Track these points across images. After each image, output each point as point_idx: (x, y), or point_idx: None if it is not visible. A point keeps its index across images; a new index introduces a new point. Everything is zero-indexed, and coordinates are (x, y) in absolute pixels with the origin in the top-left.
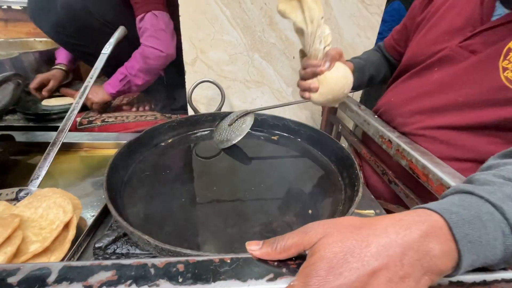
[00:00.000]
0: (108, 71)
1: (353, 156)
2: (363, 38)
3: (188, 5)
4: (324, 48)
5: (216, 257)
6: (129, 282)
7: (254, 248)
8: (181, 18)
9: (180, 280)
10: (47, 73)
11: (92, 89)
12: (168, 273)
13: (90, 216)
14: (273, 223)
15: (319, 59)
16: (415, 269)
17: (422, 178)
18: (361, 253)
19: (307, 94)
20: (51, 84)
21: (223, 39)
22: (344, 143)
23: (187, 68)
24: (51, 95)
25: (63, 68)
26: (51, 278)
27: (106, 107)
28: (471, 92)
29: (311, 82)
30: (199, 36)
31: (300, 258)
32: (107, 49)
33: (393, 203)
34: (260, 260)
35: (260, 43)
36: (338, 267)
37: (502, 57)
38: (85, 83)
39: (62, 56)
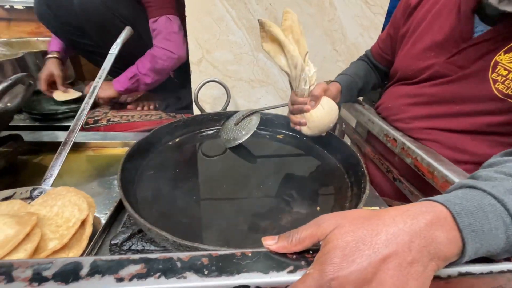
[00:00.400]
0: (112, 69)
1: (358, 154)
2: (367, 38)
3: (194, 6)
4: (309, 87)
5: (237, 251)
6: (158, 274)
7: (270, 242)
8: (187, 19)
9: (206, 272)
10: (45, 70)
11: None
12: (193, 266)
13: (103, 215)
14: (283, 219)
15: (305, 97)
16: (423, 255)
17: (427, 175)
18: (372, 241)
19: (297, 127)
20: (58, 79)
21: (228, 39)
22: (347, 142)
23: (193, 68)
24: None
25: (57, 55)
26: (84, 271)
27: (112, 103)
28: (465, 103)
29: (300, 118)
30: (205, 36)
31: (316, 252)
32: (114, 50)
33: (397, 200)
34: (278, 253)
35: None
36: (351, 254)
37: (490, 70)
38: (94, 83)
39: (54, 45)
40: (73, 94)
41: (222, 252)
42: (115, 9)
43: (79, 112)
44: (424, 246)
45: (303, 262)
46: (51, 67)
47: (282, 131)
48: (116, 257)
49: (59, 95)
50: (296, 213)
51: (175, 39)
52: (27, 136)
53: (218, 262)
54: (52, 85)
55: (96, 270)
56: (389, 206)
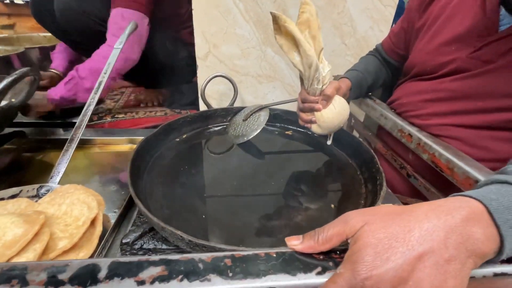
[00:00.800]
0: None
1: (372, 150)
2: (377, 31)
3: None
4: (322, 86)
5: (261, 251)
6: (180, 277)
7: (295, 242)
8: (193, 12)
9: (230, 274)
10: (44, 73)
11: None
12: (217, 267)
13: (111, 213)
14: (298, 216)
15: (317, 96)
16: (460, 251)
17: (446, 172)
18: (405, 238)
19: (307, 125)
20: (44, 82)
21: (235, 33)
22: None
23: (199, 62)
24: None
25: (58, 73)
26: (102, 274)
27: (44, 115)
28: (488, 99)
29: (310, 116)
30: (212, 30)
31: (343, 252)
32: (119, 44)
33: (410, 197)
34: (304, 254)
35: (273, 37)
36: (383, 252)
37: None
38: (100, 78)
39: (58, 61)
40: None
41: (245, 253)
42: (94, 15)
43: (85, 108)
44: (461, 242)
45: (331, 263)
46: (53, 79)
47: (291, 127)
48: (135, 258)
49: None
50: (310, 210)
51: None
52: (32, 133)
53: (242, 263)
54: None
55: (115, 273)
56: (403, 203)
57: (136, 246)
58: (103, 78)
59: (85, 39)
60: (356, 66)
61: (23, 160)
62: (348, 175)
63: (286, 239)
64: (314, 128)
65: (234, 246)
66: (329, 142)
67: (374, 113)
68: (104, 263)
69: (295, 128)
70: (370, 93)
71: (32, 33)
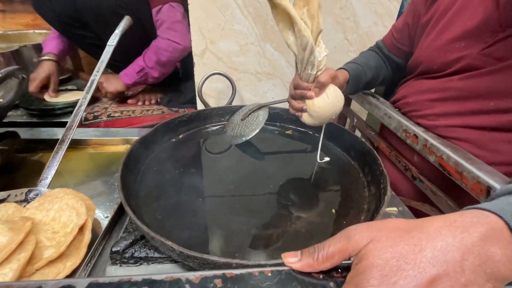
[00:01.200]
0: (112, 63)
1: (375, 152)
2: (380, 27)
3: None
4: (316, 72)
5: (255, 270)
6: None
7: (293, 260)
8: (189, 7)
9: None
10: (41, 72)
11: (107, 78)
12: None
13: (103, 217)
14: (297, 223)
15: (310, 82)
16: (478, 275)
17: (454, 175)
18: (416, 258)
19: (297, 114)
20: (52, 84)
21: (233, 29)
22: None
23: (196, 60)
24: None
25: (53, 58)
26: None
27: (119, 97)
28: (502, 98)
29: (301, 104)
30: (209, 25)
31: (345, 270)
32: (113, 41)
33: (415, 200)
34: (302, 273)
35: (273, 33)
36: (391, 275)
37: None
38: (92, 77)
39: (51, 45)
40: (67, 97)
41: (238, 272)
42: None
43: (76, 108)
44: (479, 264)
45: (332, 283)
46: (48, 71)
47: (291, 126)
48: (115, 278)
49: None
50: (311, 216)
51: (179, 29)
52: (24, 133)
53: (234, 284)
54: (43, 87)
55: None
56: (407, 206)
57: (127, 255)
58: (96, 76)
59: (96, 28)
60: (356, 60)
61: (14, 162)
62: (351, 178)
63: (283, 255)
64: (305, 117)
65: (227, 259)
66: (319, 159)
67: (377, 112)
68: (81, 285)
69: (295, 127)
70: (368, 90)
71: (28, 30)
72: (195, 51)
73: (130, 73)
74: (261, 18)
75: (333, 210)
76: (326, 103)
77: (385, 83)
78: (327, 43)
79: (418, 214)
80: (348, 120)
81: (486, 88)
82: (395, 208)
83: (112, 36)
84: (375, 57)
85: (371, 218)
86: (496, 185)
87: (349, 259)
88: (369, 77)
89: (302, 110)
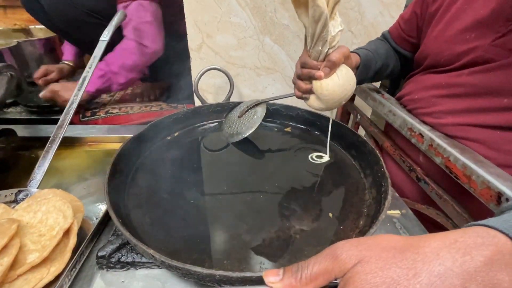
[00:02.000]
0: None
1: (377, 152)
2: (387, 17)
3: None
4: (327, 50)
5: None
6: None
7: (274, 279)
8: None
9: None
10: (53, 65)
11: (63, 85)
12: None
13: (95, 219)
14: (291, 228)
15: (320, 61)
16: None
17: (462, 179)
18: (409, 285)
19: (304, 96)
20: (51, 75)
21: (231, 22)
22: (362, 135)
23: (192, 54)
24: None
25: (71, 64)
26: None
27: (82, 108)
28: None
29: (308, 86)
30: (205, 18)
31: None
32: (106, 36)
33: (420, 202)
34: None
35: (272, 25)
36: None
37: None
38: (84, 73)
39: (68, 52)
40: None
41: None
42: (82, 5)
43: (67, 106)
44: None
45: None
46: (58, 70)
47: (291, 123)
48: None
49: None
50: (306, 220)
51: (148, 30)
52: (23, 130)
53: None
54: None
55: None
56: (411, 209)
57: (113, 260)
58: (88, 73)
59: (75, 30)
60: (365, 46)
61: (10, 160)
62: (351, 179)
63: (264, 274)
64: (311, 101)
65: (211, 270)
66: (326, 158)
67: (381, 109)
68: None
69: (294, 124)
70: (376, 81)
71: (29, 26)
72: (191, 45)
73: (92, 80)
74: (260, 10)
75: (330, 214)
76: (337, 85)
77: (393, 75)
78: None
79: (422, 217)
80: (352, 116)
81: (499, 84)
82: (397, 211)
83: (105, 30)
84: (384, 45)
85: (370, 223)
86: (507, 191)
87: (336, 280)
88: (379, 66)
89: (309, 92)
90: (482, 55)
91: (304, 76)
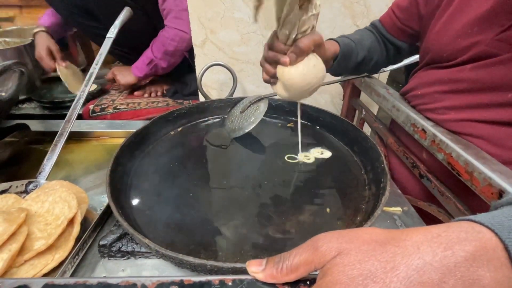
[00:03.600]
0: (122, 54)
1: (378, 147)
2: None
3: None
4: (296, 35)
5: (215, 278)
6: None
7: (256, 269)
8: None
9: None
10: (39, 45)
11: (119, 70)
12: None
13: (99, 209)
14: (287, 222)
15: (288, 45)
16: None
17: (464, 176)
18: (386, 278)
19: (272, 81)
20: (56, 53)
21: (234, 17)
22: (367, 131)
23: (196, 50)
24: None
25: (43, 29)
26: None
27: (131, 88)
28: None
29: (274, 70)
30: (208, 14)
31: (313, 282)
32: (112, 33)
33: (423, 200)
34: (266, 283)
35: (275, 20)
36: None
37: None
38: (91, 70)
39: (43, 20)
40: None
41: (197, 279)
42: None
43: (75, 101)
44: None
45: None
46: (44, 41)
47: (293, 118)
48: (71, 280)
49: (70, 82)
50: (302, 215)
51: (186, 17)
52: (36, 125)
53: None
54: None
55: None
56: (413, 206)
57: (114, 249)
58: (94, 69)
59: (104, 13)
60: (350, 35)
61: (23, 153)
62: (352, 175)
63: (247, 264)
64: (277, 87)
65: (202, 260)
66: (328, 154)
67: (386, 104)
68: (36, 285)
69: (297, 119)
70: (357, 74)
71: None
72: (195, 41)
73: (140, 66)
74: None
75: (328, 210)
76: (300, 75)
77: (378, 68)
78: (334, 29)
79: (424, 215)
80: (357, 112)
81: (501, 78)
82: (399, 208)
83: (111, 28)
84: (371, 37)
85: (367, 219)
86: (510, 188)
87: (316, 271)
88: (360, 58)
89: (276, 77)
90: (485, 50)
91: (270, 60)
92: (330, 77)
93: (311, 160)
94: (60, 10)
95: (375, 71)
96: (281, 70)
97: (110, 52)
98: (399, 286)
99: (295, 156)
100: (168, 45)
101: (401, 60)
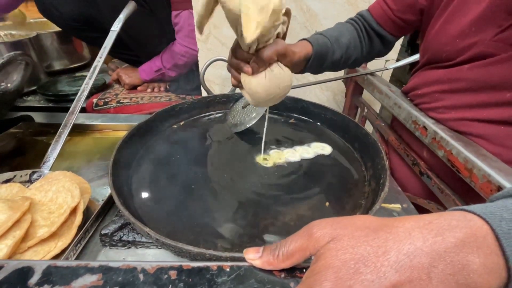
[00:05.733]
0: (129, 58)
1: (379, 144)
2: None
3: None
4: (258, 45)
5: (214, 264)
6: None
7: (253, 256)
8: None
9: None
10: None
11: (125, 70)
12: (158, 280)
13: (101, 200)
14: (287, 215)
15: (251, 52)
16: (447, 285)
17: (463, 173)
18: (377, 262)
19: (238, 85)
20: None
21: None
22: (369, 128)
23: (199, 45)
24: None
25: None
26: (33, 280)
27: (135, 87)
28: None
29: (239, 77)
30: None
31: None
32: (116, 26)
33: (423, 197)
34: (264, 270)
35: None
36: (347, 278)
37: None
38: (95, 63)
39: None
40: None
41: (195, 265)
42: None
43: (78, 94)
44: (450, 273)
45: (292, 284)
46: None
47: (295, 115)
48: (74, 263)
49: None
50: (302, 209)
51: (195, 36)
52: (40, 117)
53: (188, 278)
54: None
55: (47, 279)
56: (413, 203)
57: (116, 238)
58: (98, 62)
59: (109, 10)
60: (327, 32)
61: (27, 144)
62: (352, 171)
63: (245, 251)
64: (243, 92)
65: (201, 249)
66: (329, 150)
67: (387, 102)
68: (39, 267)
69: (298, 115)
70: (334, 71)
71: None
72: (198, 36)
73: (148, 71)
74: None
75: (327, 203)
76: (261, 85)
77: (357, 65)
78: None
79: (423, 212)
80: (359, 110)
81: (500, 78)
82: (398, 205)
83: (115, 21)
84: (351, 33)
85: (366, 214)
86: (508, 185)
87: (311, 257)
88: (337, 57)
89: (239, 83)
90: (484, 50)
91: (234, 66)
92: (332, 74)
93: (269, 165)
94: (60, 24)
95: (354, 66)
96: (243, 79)
97: (117, 56)
98: (389, 270)
99: (325, 145)
100: (178, 59)
101: (383, 54)
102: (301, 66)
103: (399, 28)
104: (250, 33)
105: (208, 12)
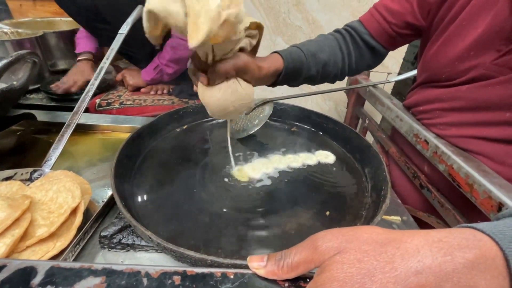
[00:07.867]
0: (134, 62)
1: (381, 156)
2: None
3: None
4: (215, 57)
5: (218, 270)
6: None
7: (258, 265)
8: None
9: None
10: (78, 73)
11: (129, 72)
12: (162, 285)
13: (101, 201)
14: (287, 224)
15: (209, 62)
16: None
17: (464, 188)
18: (384, 278)
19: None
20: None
21: None
22: (370, 139)
23: None
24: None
25: (90, 58)
26: (36, 280)
27: (138, 89)
28: None
29: (195, 86)
30: None
31: None
32: (124, 29)
33: (423, 211)
34: (267, 279)
35: (284, 26)
36: None
37: None
38: (101, 64)
39: (86, 44)
40: None
41: (200, 270)
42: None
43: (84, 94)
44: None
45: None
46: (87, 74)
47: (297, 123)
48: (77, 264)
49: None
50: (303, 218)
51: None
52: (43, 116)
53: (192, 284)
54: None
55: (50, 280)
56: (413, 216)
57: (115, 240)
58: (105, 63)
59: (112, 14)
60: (304, 45)
61: (28, 142)
62: (353, 181)
63: (249, 259)
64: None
65: (202, 255)
66: (332, 158)
67: (389, 114)
68: (42, 267)
69: (301, 124)
70: (312, 84)
71: (54, 18)
72: None
73: (148, 70)
74: (273, 10)
75: (327, 213)
76: (214, 100)
77: (336, 80)
78: None
79: (423, 226)
80: (360, 121)
81: (498, 98)
82: (398, 217)
83: (124, 24)
84: (333, 48)
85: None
86: (509, 202)
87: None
88: (312, 73)
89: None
90: (484, 73)
91: (191, 73)
92: (335, 85)
93: (245, 179)
94: (70, 12)
95: (335, 81)
96: (199, 88)
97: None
98: (396, 287)
99: (327, 154)
100: (174, 53)
101: (373, 66)
102: (269, 81)
103: (394, 41)
104: (194, 39)
105: (159, 27)
